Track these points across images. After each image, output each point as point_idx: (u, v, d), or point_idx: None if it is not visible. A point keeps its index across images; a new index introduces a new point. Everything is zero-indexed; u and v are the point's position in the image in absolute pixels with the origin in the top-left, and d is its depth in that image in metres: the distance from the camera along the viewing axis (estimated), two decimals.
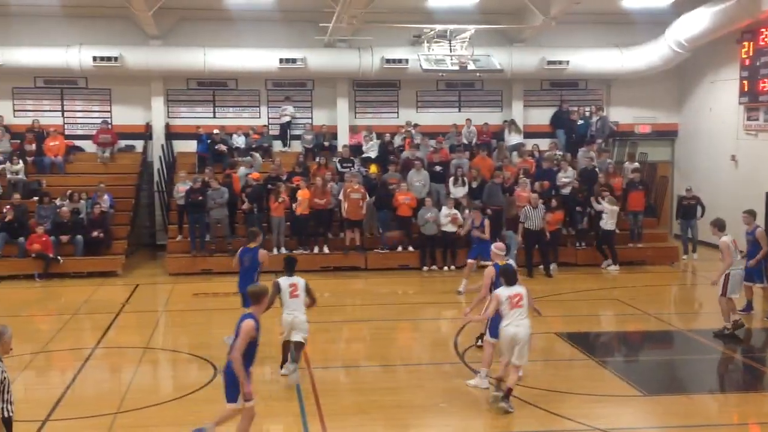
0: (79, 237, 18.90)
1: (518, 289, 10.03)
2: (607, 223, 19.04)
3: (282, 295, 10.79)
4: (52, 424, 9.45)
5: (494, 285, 10.56)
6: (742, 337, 13.19)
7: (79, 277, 18.62)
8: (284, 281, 10.85)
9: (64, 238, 18.80)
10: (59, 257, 18.58)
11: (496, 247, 11.37)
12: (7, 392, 6.70)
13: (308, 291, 10.90)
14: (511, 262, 11.19)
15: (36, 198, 19.80)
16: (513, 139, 22.95)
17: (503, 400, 9.79)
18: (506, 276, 10.17)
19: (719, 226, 13.30)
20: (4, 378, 6.65)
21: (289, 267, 11.10)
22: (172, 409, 9.97)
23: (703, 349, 13.10)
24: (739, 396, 10.99)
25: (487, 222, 16.81)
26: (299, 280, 10.92)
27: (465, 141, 22.70)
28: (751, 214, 14.03)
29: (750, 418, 10.06)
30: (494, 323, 10.61)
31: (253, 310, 8.10)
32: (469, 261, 16.63)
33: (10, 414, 6.76)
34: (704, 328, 13.82)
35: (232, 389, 8.04)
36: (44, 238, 18.48)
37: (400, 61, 22.15)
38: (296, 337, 10.78)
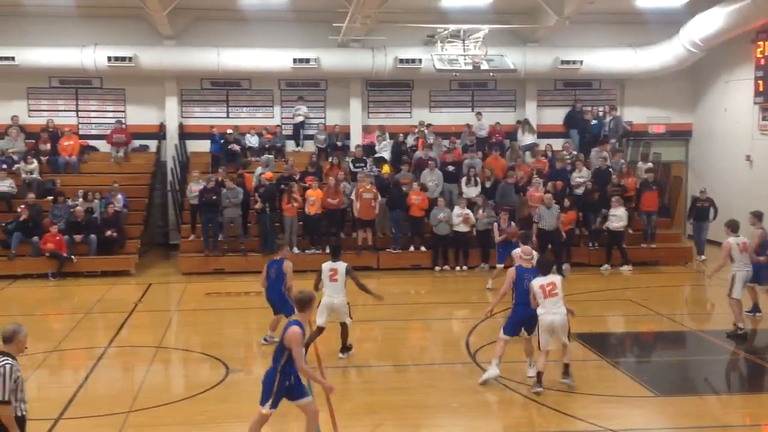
0: (93, 236, 19.00)
1: (552, 278, 10.44)
2: (616, 223, 19.00)
3: (323, 278, 11.63)
4: (64, 422, 9.50)
5: (515, 285, 10.67)
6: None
7: (93, 276, 18.72)
8: (326, 266, 11.70)
9: (78, 237, 18.91)
10: (73, 256, 18.68)
11: (523, 251, 11.50)
12: (21, 391, 6.76)
13: (352, 276, 11.65)
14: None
15: (50, 197, 19.92)
16: (527, 139, 22.87)
17: (564, 377, 10.50)
18: (541, 266, 10.66)
19: (732, 227, 13.36)
20: (18, 377, 6.70)
21: (334, 252, 12.07)
22: (184, 409, 10.00)
23: (715, 349, 13.05)
24: (751, 397, 10.93)
25: (513, 225, 16.91)
26: (340, 265, 11.67)
27: (477, 135, 22.67)
28: (756, 215, 13.99)
29: (762, 420, 10.01)
30: (510, 321, 10.75)
31: (299, 317, 8.02)
32: (498, 266, 16.64)
33: (24, 413, 6.82)
34: (717, 329, 13.76)
35: (266, 394, 8.01)
36: (58, 238, 18.58)
37: (413, 61, 22.13)
38: (342, 319, 11.78)
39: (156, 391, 10.84)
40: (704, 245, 20.20)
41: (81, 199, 19.68)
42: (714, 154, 23.33)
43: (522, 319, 10.60)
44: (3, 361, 6.63)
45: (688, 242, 21.52)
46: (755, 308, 14.31)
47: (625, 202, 19.72)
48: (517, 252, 12.68)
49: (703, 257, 20.09)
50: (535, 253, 11.74)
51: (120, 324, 14.39)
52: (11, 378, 6.60)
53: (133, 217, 20.80)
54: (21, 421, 6.79)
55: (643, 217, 20.20)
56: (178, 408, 10.02)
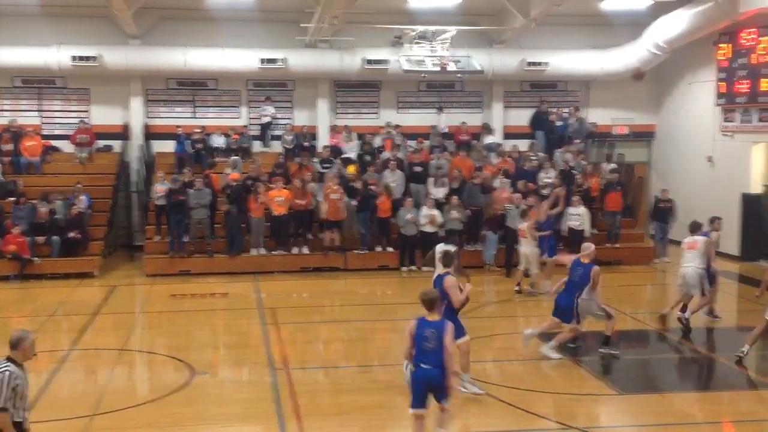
0: (56, 238, 18.74)
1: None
2: (576, 222, 19.15)
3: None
4: None
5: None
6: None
7: (56, 278, 18.44)
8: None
9: (41, 238, 18.65)
10: (35, 258, 18.41)
11: (583, 247, 12.55)
12: (21, 399, 6.65)
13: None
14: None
15: (12, 198, 19.60)
16: (487, 140, 23.02)
17: (604, 346, 12.10)
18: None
19: (691, 227, 13.92)
20: (17, 384, 6.59)
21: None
22: (150, 411, 9.92)
23: (677, 348, 13.24)
24: (712, 394, 11.13)
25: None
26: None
27: (440, 130, 22.81)
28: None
29: (723, 417, 10.17)
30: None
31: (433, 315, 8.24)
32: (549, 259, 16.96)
33: (21, 419, 6.73)
34: (679, 328, 13.96)
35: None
36: (20, 239, 18.30)
37: (381, 61, 22.13)
38: None
39: (121, 393, 10.73)
40: (667, 246, 20.41)
41: (45, 202, 19.36)
42: (676, 155, 23.63)
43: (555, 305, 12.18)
44: (4, 367, 6.54)
45: (652, 242, 21.74)
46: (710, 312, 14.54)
47: (589, 202, 19.89)
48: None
49: (666, 259, 20.26)
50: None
51: (83, 326, 14.22)
52: (9, 385, 6.50)
53: (97, 219, 20.52)
54: (19, 427, 6.69)
55: (607, 218, 20.38)
56: (144, 411, 9.93)
